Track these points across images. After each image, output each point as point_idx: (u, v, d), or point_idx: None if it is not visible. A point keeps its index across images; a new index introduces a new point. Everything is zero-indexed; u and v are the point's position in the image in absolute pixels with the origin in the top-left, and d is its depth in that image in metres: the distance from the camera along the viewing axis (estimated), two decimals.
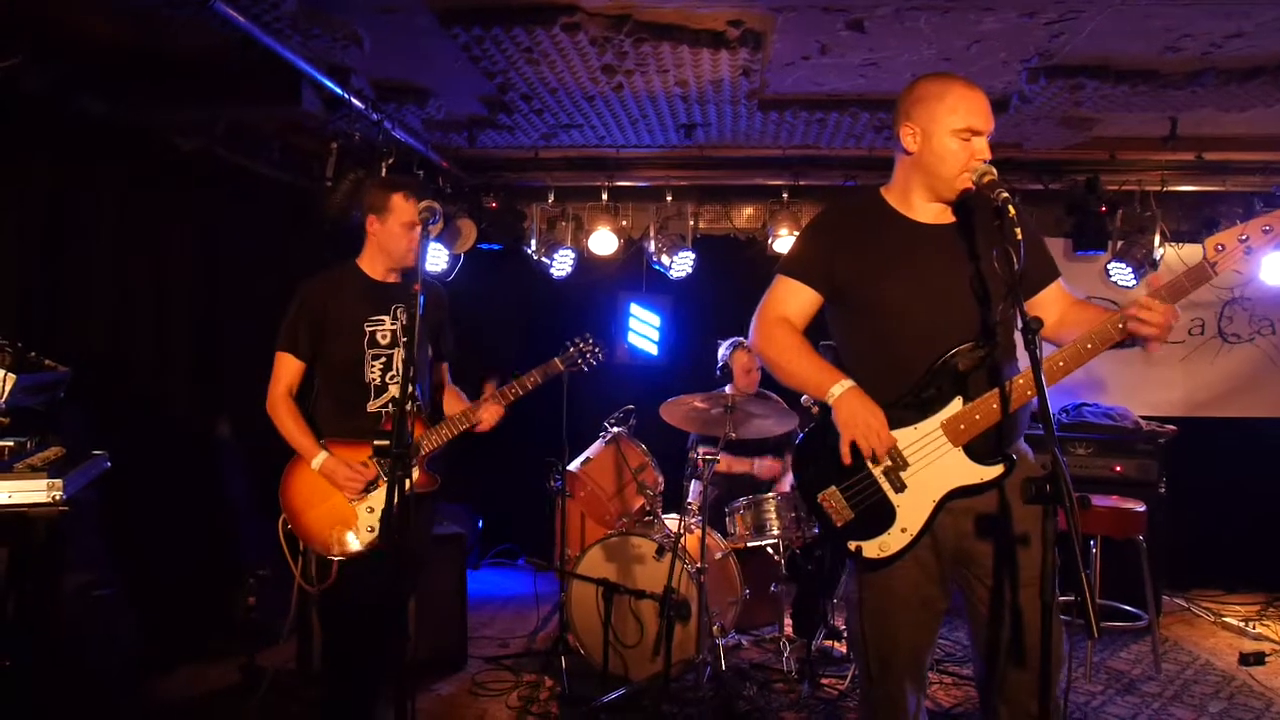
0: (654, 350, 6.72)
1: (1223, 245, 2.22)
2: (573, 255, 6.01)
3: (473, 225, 5.66)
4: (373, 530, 3.05)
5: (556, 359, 3.47)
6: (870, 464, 2.33)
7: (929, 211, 2.41)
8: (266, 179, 5.11)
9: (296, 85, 4.01)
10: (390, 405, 3.08)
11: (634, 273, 6.50)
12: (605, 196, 5.85)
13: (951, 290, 2.33)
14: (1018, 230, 2.03)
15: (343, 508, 3.07)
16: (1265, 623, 5.43)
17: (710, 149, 5.49)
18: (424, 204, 2.58)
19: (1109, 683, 4.43)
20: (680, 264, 5.94)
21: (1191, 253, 5.82)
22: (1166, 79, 4.11)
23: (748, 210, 6.27)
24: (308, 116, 4.30)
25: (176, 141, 4.57)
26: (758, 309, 2.54)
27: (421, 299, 2.33)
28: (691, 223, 6.11)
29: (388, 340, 3.12)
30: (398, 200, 3.09)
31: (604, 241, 5.85)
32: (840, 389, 2.32)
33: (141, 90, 4.13)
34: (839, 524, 2.38)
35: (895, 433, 2.30)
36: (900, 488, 2.32)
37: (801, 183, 5.73)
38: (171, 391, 4.69)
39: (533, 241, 6.07)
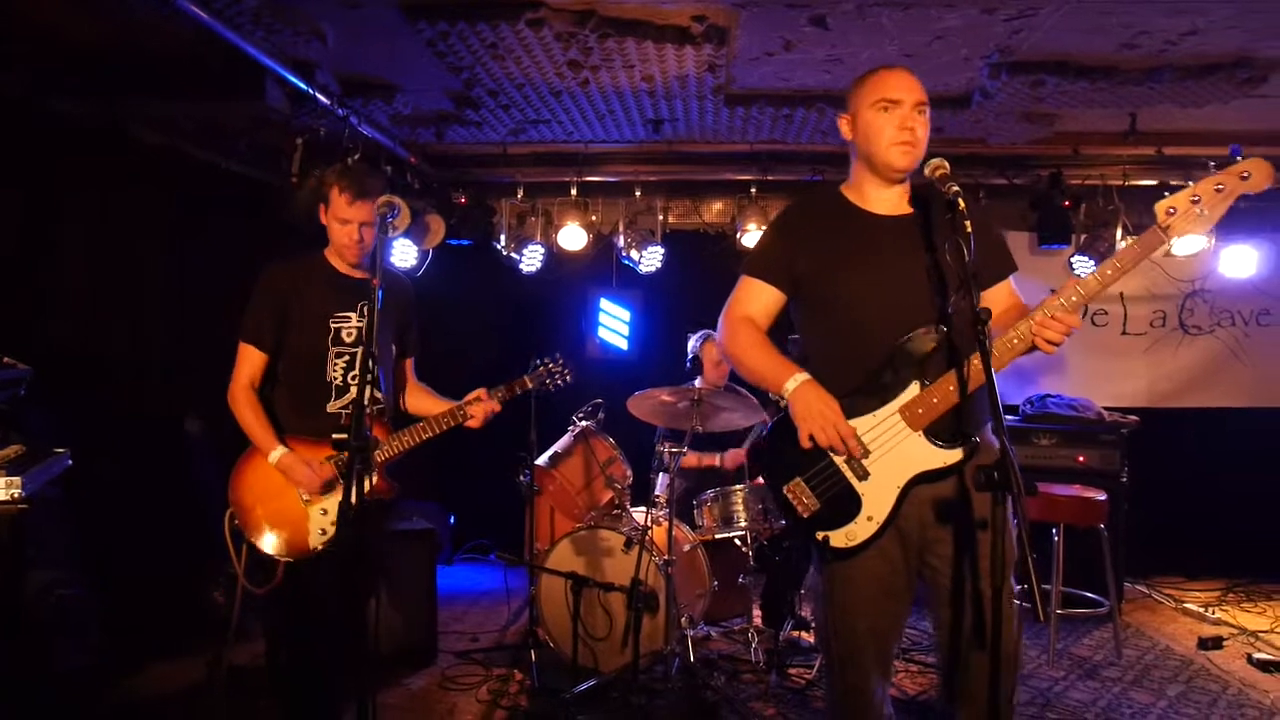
0: (624, 345, 6.75)
1: (1174, 208, 2.19)
2: (542, 250, 6.02)
3: (441, 221, 5.65)
4: (325, 533, 2.94)
5: (525, 376, 3.38)
6: (831, 453, 2.36)
7: (885, 203, 2.46)
8: (236, 175, 5.08)
9: (260, 81, 4.00)
10: (352, 406, 2.97)
11: (604, 268, 6.52)
12: (574, 192, 5.85)
13: (908, 281, 2.37)
14: (967, 223, 2.07)
15: (295, 507, 2.96)
16: (1224, 608, 5.54)
17: (678, 144, 5.50)
18: (381, 200, 2.57)
19: (1071, 668, 4.51)
20: (649, 259, 5.97)
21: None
22: (1125, 75, 4.18)
23: (717, 205, 6.30)
24: (273, 112, 4.28)
25: (144, 138, 4.54)
26: (724, 308, 2.60)
27: (380, 294, 2.31)
28: (661, 218, 6.15)
29: (353, 338, 3.02)
30: (334, 194, 2.98)
31: (573, 237, 5.86)
32: (795, 383, 2.35)
33: (108, 88, 4.11)
34: (805, 515, 2.39)
35: (855, 421, 2.32)
36: (863, 475, 2.34)
37: (769, 177, 5.76)
38: (142, 388, 4.67)
39: (502, 237, 6.08)
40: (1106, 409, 5.80)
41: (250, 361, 3.01)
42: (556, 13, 3.61)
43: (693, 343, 5.20)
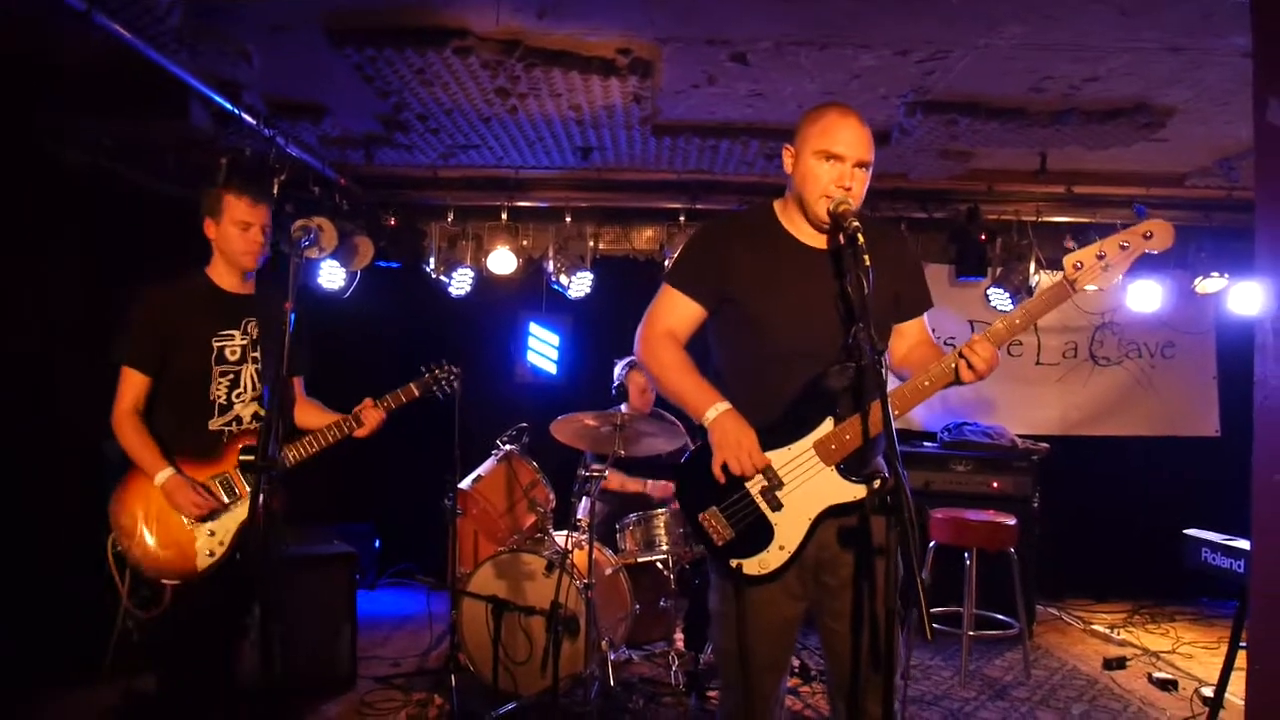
0: (553, 369, 6.78)
1: (1080, 263, 2.31)
2: (472, 274, 6.02)
3: (370, 243, 5.62)
4: (212, 555, 2.93)
5: (412, 384, 3.38)
6: (747, 484, 2.39)
7: (812, 234, 2.47)
8: (160, 194, 5.00)
9: (184, 100, 3.97)
10: (233, 425, 3.04)
11: (533, 292, 6.55)
12: (505, 216, 5.90)
13: (825, 311, 2.40)
14: (866, 257, 2.14)
15: (180, 529, 2.94)
16: (1129, 629, 5.75)
17: (608, 172, 5.59)
18: (297, 224, 2.57)
19: (981, 689, 4.63)
20: (578, 284, 6.02)
21: None
22: (1034, 117, 4.37)
23: (646, 232, 6.38)
24: (198, 132, 4.25)
25: (65, 155, 4.46)
26: (644, 319, 2.57)
27: (292, 317, 2.32)
28: (591, 244, 6.21)
29: (237, 356, 3.03)
30: (229, 199, 3.01)
31: (503, 261, 5.88)
32: (715, 412, 2.36)
33: (25, 102, 4.03)
34: (719, 543, 2.41)
35: (770, 453, 2.35)
36: (777, 506, 2.37)
37: (699, 206, 5.87)
38: (56, 409, 4.54)
39: (431, 260, 6.08)
40: (1020, 436, 5.99)
41: (133, 385, 2.99)
42: (483, 41, 3.66)
43: (619, 369, 5.24)
